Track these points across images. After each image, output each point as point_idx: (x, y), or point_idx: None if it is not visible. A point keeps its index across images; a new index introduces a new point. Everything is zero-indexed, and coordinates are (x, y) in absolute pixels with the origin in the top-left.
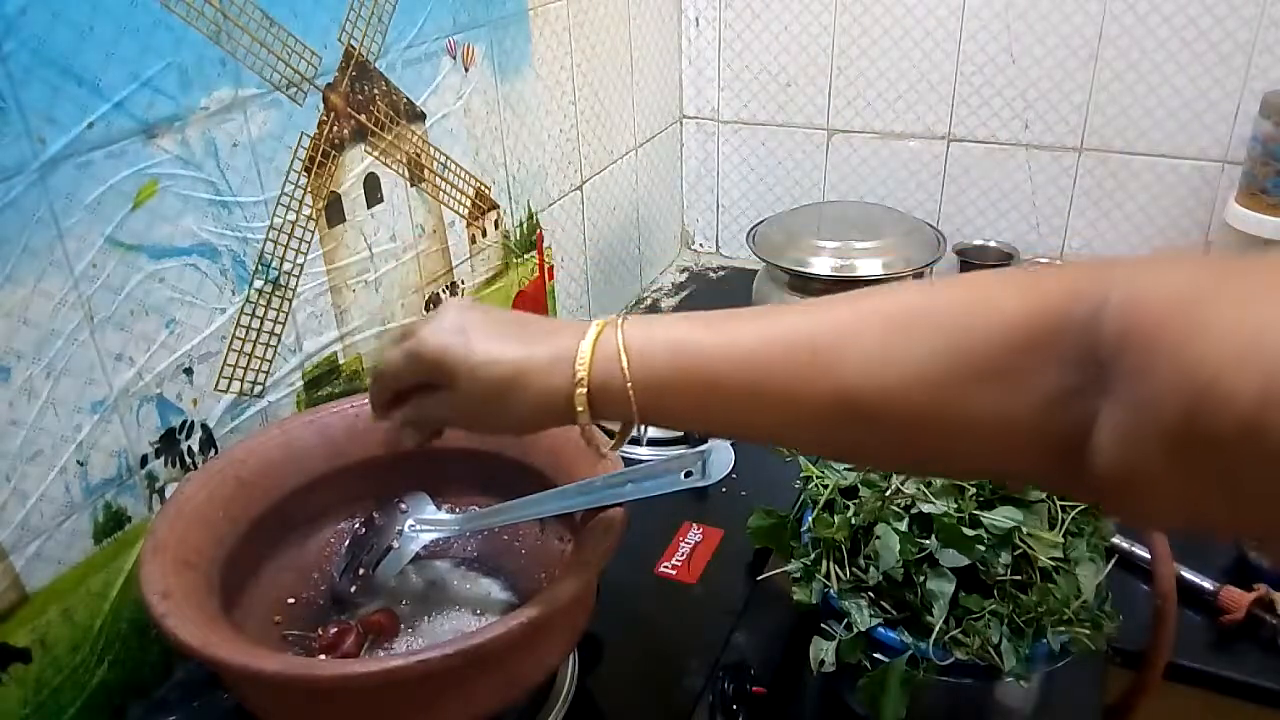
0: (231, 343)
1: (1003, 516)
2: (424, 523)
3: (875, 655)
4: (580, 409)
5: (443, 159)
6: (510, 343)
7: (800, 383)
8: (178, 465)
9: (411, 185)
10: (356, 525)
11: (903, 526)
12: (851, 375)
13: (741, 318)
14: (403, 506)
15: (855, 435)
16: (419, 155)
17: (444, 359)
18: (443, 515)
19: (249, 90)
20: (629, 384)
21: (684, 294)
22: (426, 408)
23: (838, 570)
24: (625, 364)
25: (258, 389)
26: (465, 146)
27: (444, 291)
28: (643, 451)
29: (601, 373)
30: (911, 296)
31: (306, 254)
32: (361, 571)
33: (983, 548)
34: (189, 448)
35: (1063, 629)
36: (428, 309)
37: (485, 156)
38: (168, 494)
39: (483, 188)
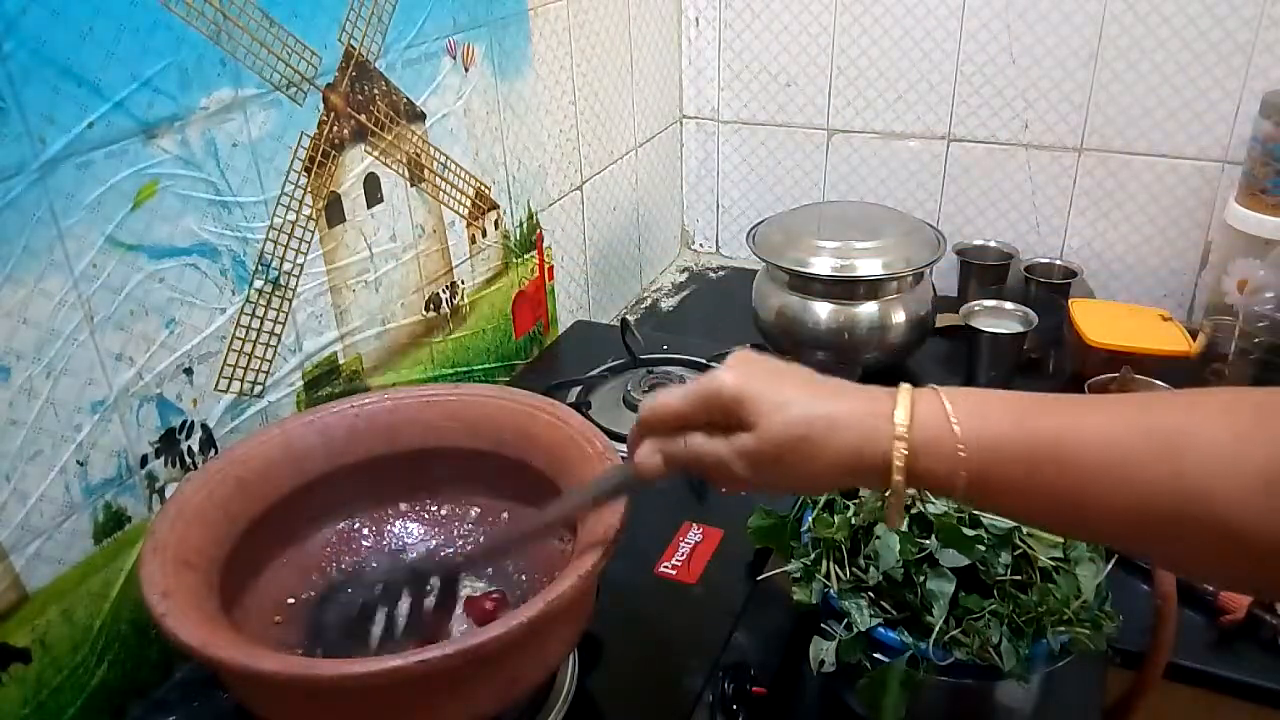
0: (231, 343)
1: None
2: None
3: (875, 655)
4: (898, 464)
5: (443, 159)
6: (817, 392)
7: (1152, 477)
8: (178, 465)
9: (411, 185)
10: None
11: (903, 526)
12: (1198, 471)
13: (1081, 400)
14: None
15: (1188, 539)
16: (419, 155)
17: (745, 397)
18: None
19: (249, 90)
20: (960, 445)
21: (684, 294)
22: (706, 446)
23: (838, 570)
24: (955, 423)
25: (258, 389)
26: (465, 146)
27: (444, 291)
28: None
29: (926, 430)
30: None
31: (306, 254)
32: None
33: (983, 548)
34: (189, 448)
35: (1063, 629)
36: (428, 309)
37: (485, 156)
38: (168, 494)
39: (483, 188)
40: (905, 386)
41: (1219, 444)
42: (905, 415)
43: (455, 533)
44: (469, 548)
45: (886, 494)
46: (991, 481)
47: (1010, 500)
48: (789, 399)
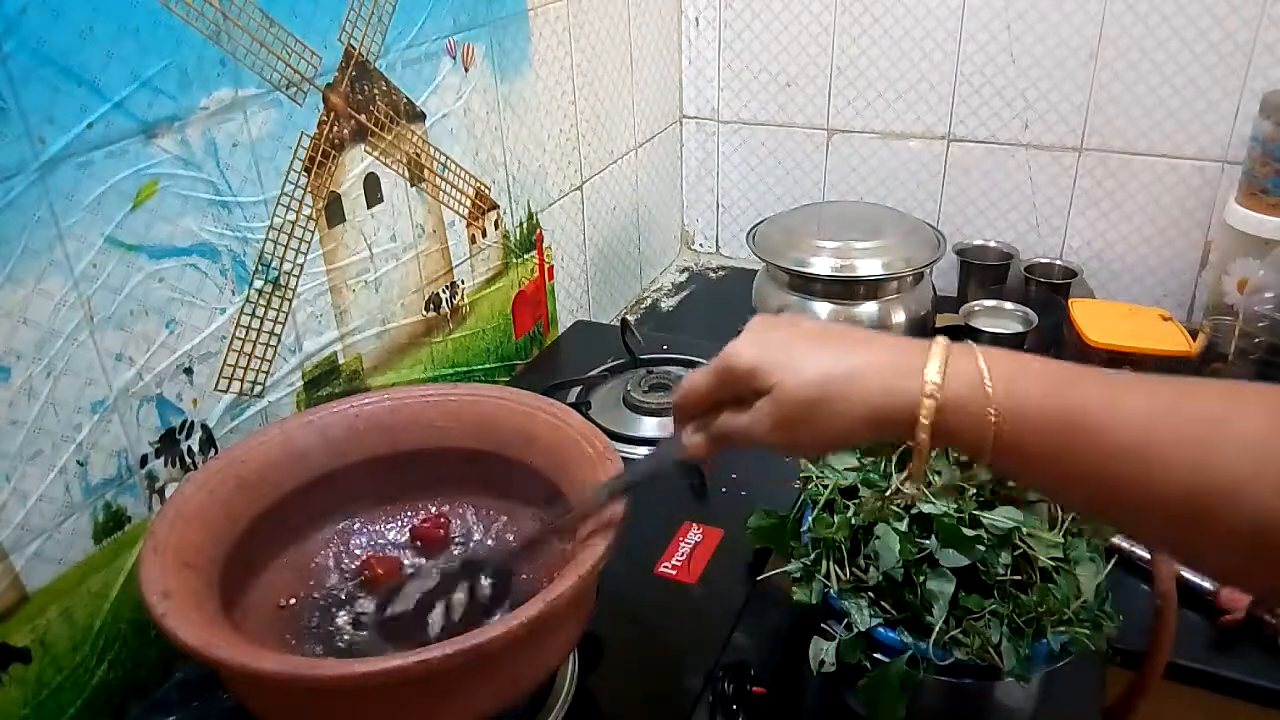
0: (231, 343)
1: (1003, 516)
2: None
3: (875, 655)
4: (924, 421)
5: (443, 159)
6: (840, 347)
7: (1182, 464)
8: (178, 465)
9: (411, 185)
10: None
11: (903, 526)
12: (1228, 463)
13: (1124, 376)
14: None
15: (1213, 533)
16: (419, 155)
17: (759, 366)
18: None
19: (249, 90)
20: (992, 409)
21: (684, 294)
22: (731, 422)
23: (838, 570)
24: (989, 385)
25: (258, 389)
26: (465, 146)
27: (444, 291)
28: (643, 452)
29: (959, 389)
30: None
31: (306, 254)
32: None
33: (983, 548)
34: (189, 448)
35: (1063, 629)
36: (428, 309)
37: (485, 156)
38: (168, 494)
39: (483, 188)
40: (941, 340)
41: (1252, 438)
42: (938, 371)
43: (454, 532)
44: (515, 538)
45: (911, 445)
46: (1021, 448)
47: (1038, 469)
48: (803, 360)
